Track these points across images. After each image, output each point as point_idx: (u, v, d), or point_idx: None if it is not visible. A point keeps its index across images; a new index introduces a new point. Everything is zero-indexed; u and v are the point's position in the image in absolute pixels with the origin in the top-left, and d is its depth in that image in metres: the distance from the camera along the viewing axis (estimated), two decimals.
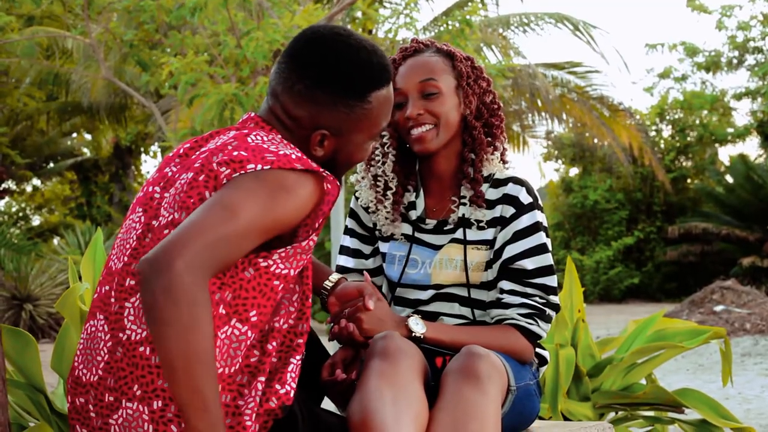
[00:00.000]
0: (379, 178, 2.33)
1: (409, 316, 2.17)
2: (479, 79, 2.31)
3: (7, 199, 22.34)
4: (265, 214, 1.68)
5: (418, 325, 2.15)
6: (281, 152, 1.75)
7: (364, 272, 2.24)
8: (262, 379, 1.75)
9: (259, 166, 1.71)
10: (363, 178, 2.38)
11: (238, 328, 1.73)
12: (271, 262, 1.74)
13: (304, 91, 1.85)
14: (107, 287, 1.82)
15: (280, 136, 1.85)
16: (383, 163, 2.32)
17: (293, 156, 1.75)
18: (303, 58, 1.86)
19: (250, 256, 1.73)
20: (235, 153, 1.74)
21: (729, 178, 18.67)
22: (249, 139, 1.78)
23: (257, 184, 1.69)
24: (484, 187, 2.28)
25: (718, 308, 10.21)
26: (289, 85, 1.86)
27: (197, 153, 1.84)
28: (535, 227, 2.24)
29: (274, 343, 1.78)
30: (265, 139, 1.80)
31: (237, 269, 1.72)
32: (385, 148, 2.31)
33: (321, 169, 1.76)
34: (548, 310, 2.23)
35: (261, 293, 1.75)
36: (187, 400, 1.60)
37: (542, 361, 2.34)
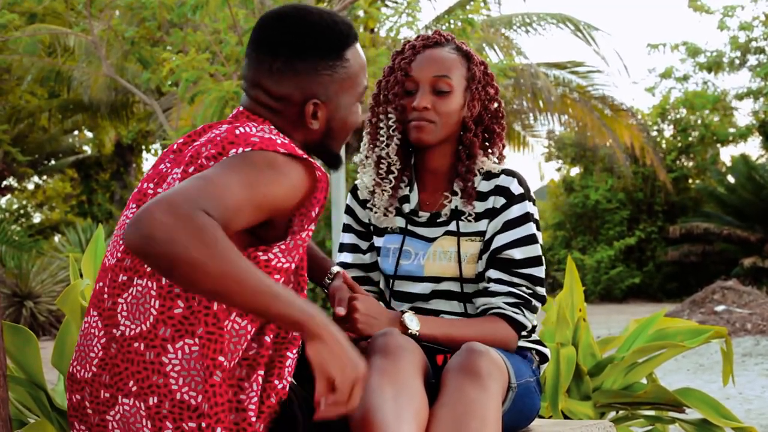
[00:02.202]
0: (382, 161, 2.32)
1: (403, 312, 2.17)
2: (488, 86, 2.32)
3: (8, 196, 22.35)
4: (252, 187, 1.63)
5: (412, 322, 2.15)
6: (266, 137, 1.74)
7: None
8: (261, 372, 1.74)
9: (241, 149, 1.70)
10: (367, 157, 2.37)
11: (237, 323, 1.72)
12: (271, 256, 1.73)
13: (283, 67, 1.84)
14: (101, 283, 1.82)
15: (271, 126, 1.84)
16: (387, 145, 2.31)
17: (278, 141, 1.74)
18: (270, 39, 1.86)
19: (249, 250, 1.72)
20: (222, 145, 1.74)
21: (730, 179, 18.65)
22: (237, 131, 1.78)
23: (241, 162, 1.67)
24: (477, 179, 2.28)
25: (719, 308, 10.20)
26: (266, 67, 1.85)
27: (189, 148, 1.84)
28: (525, 218, 2.24)
29: (271, 335, 1.77)
30: (254, 129, 1.79)
31: None
32: (391, 131, 2.30)
33: (306, 156, 1.75)
34: (534, 301, 2.24)
35: None
36: (255, 305, 1.57)
37: (543, 358, 2.34)
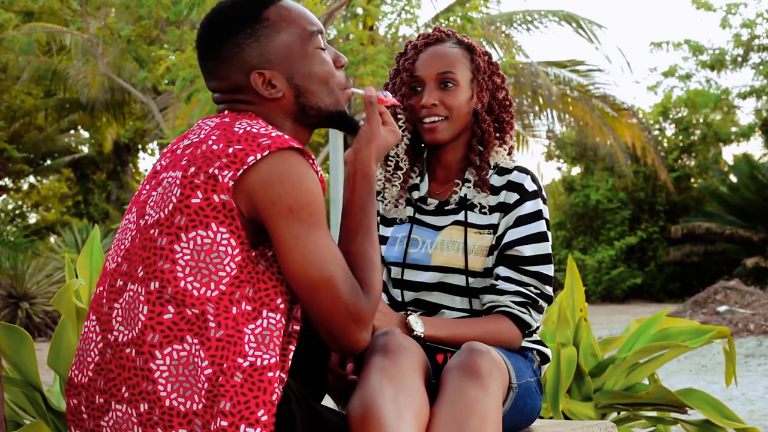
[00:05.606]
0: (390, 159, 2.35)
1: (408, 314, 2.16)
2: (494, 75, 2.35)
3: (3, 196, 22.35)
4: (323, 222, 1.73)
5: (417, 324, 2.15)
6: (273, 134, 1.73)
7: None
8: (283, 366, 1.75)
9: (258, 155, 1.69)
10: None
11: (273, 318, 1.73)
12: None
13: (217, 63, 1.84)
14: (101, 288, 1.81)
15: (258, 118, 1.82)
16: (396, 145, 2.32)
17: (285, 136, 1.74)
18: (199, 50, 1.90)
19: (260, 248, 1.73)
20: (231, 150, 1.71)
21: (733, 178, 18.63)
22: (236, 128, 1.76)
23: (298, 220, 1.70)
24: (490, 173, 2.30)
25: (722, 309, 10.17)
26: (207, 74, 1.87)
27: (182, 146, 1.82)
28: (538, 215, 2.25)
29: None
30: (251, 122, 1.78)
31: (252, 264, 1.72)
32: (401, 132, 2.30)
33: (300, 146, 1.75)
34: (541, 301, 2.24)
35: (279, 281, 1.75)
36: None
37: (544, 358, 2.32)
